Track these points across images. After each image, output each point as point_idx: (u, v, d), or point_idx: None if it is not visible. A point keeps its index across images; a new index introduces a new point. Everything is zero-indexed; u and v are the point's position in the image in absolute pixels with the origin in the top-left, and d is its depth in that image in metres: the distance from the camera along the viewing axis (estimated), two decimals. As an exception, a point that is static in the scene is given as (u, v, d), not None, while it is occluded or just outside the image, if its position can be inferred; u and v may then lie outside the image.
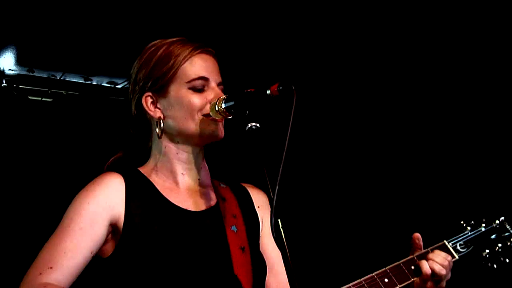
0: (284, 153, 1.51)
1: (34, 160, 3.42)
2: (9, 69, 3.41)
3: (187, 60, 1.78)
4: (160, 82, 1.77)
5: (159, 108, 1.79)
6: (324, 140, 4.04)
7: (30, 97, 3.46)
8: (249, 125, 1.58)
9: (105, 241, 1.69)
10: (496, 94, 3.46)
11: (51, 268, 1.59)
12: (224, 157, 1.97)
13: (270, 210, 1.87)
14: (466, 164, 3.56)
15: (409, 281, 1.76)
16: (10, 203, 3.34)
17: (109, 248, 1.70)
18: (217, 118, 1.75)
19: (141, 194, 1.74)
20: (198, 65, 1.78)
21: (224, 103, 1.70)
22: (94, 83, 3.62)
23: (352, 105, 3.94)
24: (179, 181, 1.81)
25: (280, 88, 1.60)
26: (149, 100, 1.79)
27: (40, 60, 3.39)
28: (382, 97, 3.87)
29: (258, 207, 1.91)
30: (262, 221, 1.91)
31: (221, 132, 1.80)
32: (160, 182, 1.80)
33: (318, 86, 3.75)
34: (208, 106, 1.76)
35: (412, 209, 3.62)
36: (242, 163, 1.98)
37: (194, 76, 1.77)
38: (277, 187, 1.48)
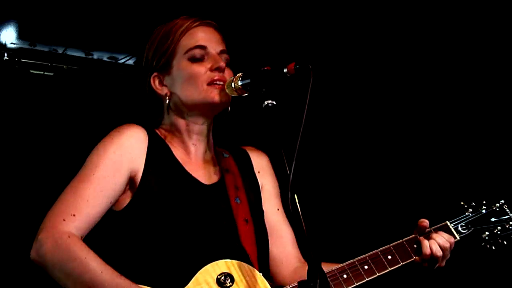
0: (300, 131, 1.45)
1: (35, 133, 3.31)
2: (11, 43, 3.26)
3: (185, 33, 1.74)
4: (163, 60, 1.74)
5: (165, 85, 1.75)
6: (339, 120, 3.92)
7: (31, 71, 3.33)
8: (266, 102, 1.51)
9: (122, 192, 1.63)
10: (493, 83, 3.37)
11: (74, 215, 1.53)
12: (240, 133, 1.86)
13: (271, 173, 1.88)
14: (467, 148, 3.46)
15: (411, 259, 1.74)
16: (11, 175, 3.23)
17: (123, 202, 1.64)
18: (233, 95, 1.70)
19: (160, 155, 1.68)
20: (196, 36, 1.74)
21: (241, 80, 1.65)
22: (95, 57, 3.49)
23: (368, 85, 3.81)
24: (191, 151, 1.77)
25: (297, 67, 1.57)
26: (156, 80, 1.77)
27: (42, 34, 3.26)
28: (398, 78, 3.73)
29: (259, 172, 1.85)
30: (262, 187, 1.84)
31: (224, 97, 1.70)
32: (177, 149, 1.74)
33: (335, 65, 3.64)
34: (209, 74, 1.70)
35: (415, 189, 3.55)
36: (258, 140, 1.88)
37: (191, 46, 1.72)
38: (293, 163, 1.42)
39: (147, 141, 1.65)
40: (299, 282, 1.41)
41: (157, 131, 1.74)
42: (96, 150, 1.62)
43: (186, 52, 1.70)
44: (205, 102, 1.68)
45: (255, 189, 1.82)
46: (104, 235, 1.62)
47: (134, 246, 1.60)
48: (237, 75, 1.64)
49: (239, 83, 1.62)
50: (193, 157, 1.75)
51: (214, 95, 1.67)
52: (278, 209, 1.84)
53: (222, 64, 1.70)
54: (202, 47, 1.70)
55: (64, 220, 1.51)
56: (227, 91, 1.67)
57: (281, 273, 1.79)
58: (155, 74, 1.73)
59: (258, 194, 1.82)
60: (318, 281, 1.33)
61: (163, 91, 1.73)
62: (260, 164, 1.85)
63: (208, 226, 1.63)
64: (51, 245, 1.48)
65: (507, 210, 1.88)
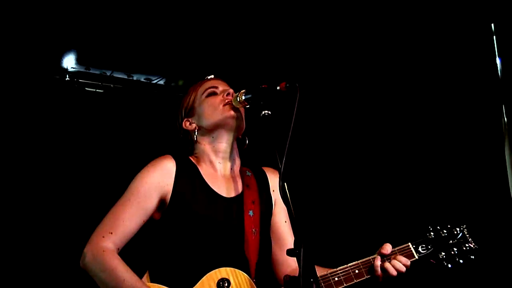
0: (289, 134, 1.69)
1: (89, 138, 3.66)
2: (71, 67, 3.71)
3: (200, 85, 2.12)
4: (188, 107, 2.08)
5: (193, 123, 2.07)
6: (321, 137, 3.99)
7: (86, 89, 3.71)
8: (263, 112, 1.79)
9: (156, 210, 1.93)
10: (460, 104, 3.32)
11: (111, 233, 1.81)
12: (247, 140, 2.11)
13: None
14: (438, 177, 3.43)
15: (373, 274, 1.87)
16: (66, 175, 3.57)
17: (158, 215, 1.94)
18: (238, 106, 2.00)
19: (188, 177, 1.95)
20: (208, 83, 2.11)
21: (244, 95, 1.95)
22: (135, 78, 3.92)
23: (350, 100, 3.89)
24: (217, 169, 2.02)
25: (287, 85, 1.80)
26: (187, 122, 2.08)
27: (95, 60, 3.70)
28: (375, 99, 3.78)
29: (273, 190, 2.08)
30: (275, 203, 2.08)
31: (237, 113, 2.00)
32: (204, 169, 2.01)
33: (321, 83, 3.79)
34: (222, 98, 2.01)
35: (389, 212, 3.59)
36: (257, 142, 2.20)
37: (206, 87, 2.08)
38: (284, 159, 1.67)
39: (175, 169, 1.91)
40: (287, 250, 1.55)
41: (191, 158, 2.02)
42: (134, 180, 1.89)
43: (203, 93, 2.05)
44: (224, 117, 1.98)
45: (268, 204, 2.03)
46: (145, 238, 1.91)
47: (162, 248, 1.88)
48: (241, 91, 1.95)
49: (243, 97, 1.93)
50: (219, 174, 1.99)
51: (229, 110, 1.99)
52: (285, 221, 2.06)
53: (231, 90, 2.04)
54: (214, 87, 2.07)
55: (103, 237, 1.78)
56: (233, 104, 1.99)
57: (283, 273, 2.01)
58: (185, 120, 2.07)
59: (270, 208, 2.04)
60: (302, 249, 1.51)
61: (192, 126, 2.04)
62: (275, 183, 2.06)
63: (220, 234, 1.86)
64: (90, 257, 1.76)
65: (466, 233, 1.98)
